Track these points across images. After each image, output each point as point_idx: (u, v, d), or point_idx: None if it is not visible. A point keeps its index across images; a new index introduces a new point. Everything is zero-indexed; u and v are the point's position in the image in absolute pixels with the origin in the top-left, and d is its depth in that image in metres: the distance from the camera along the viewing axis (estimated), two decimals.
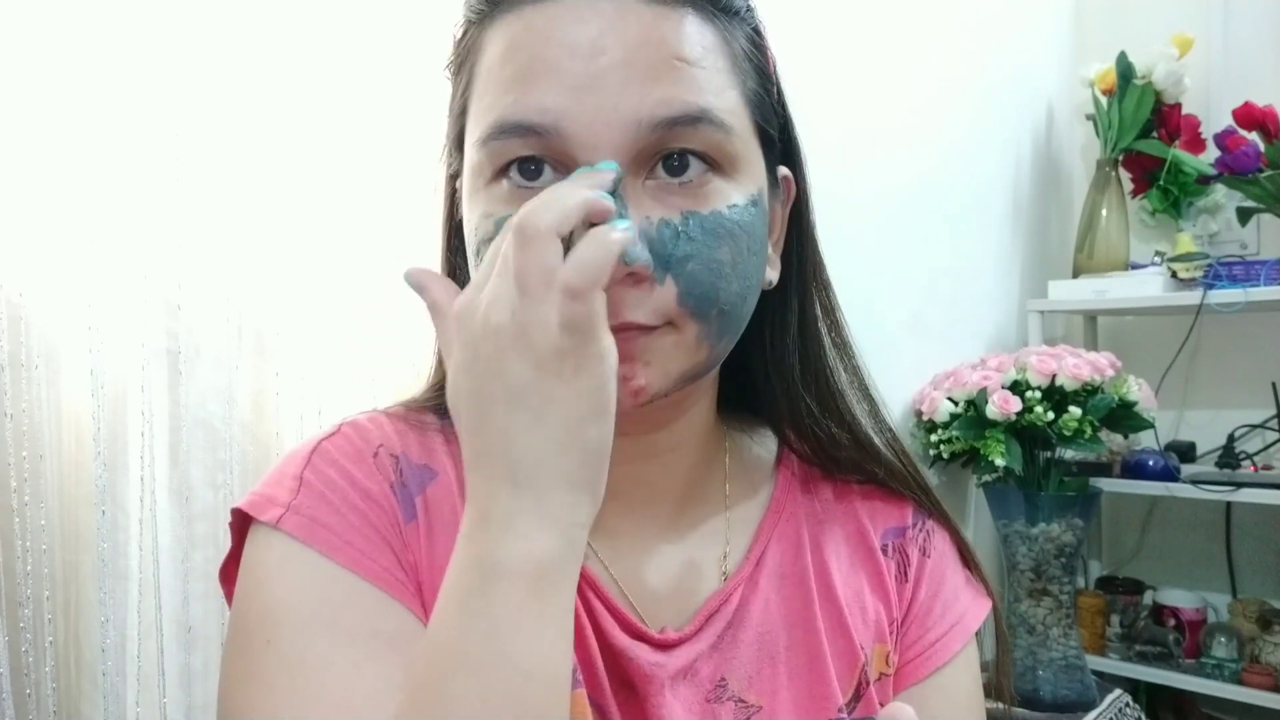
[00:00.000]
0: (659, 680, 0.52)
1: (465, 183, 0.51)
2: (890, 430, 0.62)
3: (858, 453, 0.60)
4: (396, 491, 0.52)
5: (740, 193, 0.49)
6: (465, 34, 0.52)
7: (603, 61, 0.45)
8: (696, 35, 0.48)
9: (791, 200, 0.57)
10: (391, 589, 0.48)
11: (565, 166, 0.47)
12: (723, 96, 0.48)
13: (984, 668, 0.62)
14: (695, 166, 0.47)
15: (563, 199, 0.41)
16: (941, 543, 0.63)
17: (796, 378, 0.58)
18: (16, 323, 0.72)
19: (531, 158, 0.47)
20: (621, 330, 0.44)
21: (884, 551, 0.61)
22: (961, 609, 0.61)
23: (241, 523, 0.51)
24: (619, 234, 0.41)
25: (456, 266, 0.57)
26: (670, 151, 0.47)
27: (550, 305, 0.39)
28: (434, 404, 0.58)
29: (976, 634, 0.61)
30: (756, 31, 0.53)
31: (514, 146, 0.47)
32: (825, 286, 0.60)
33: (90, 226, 0.76)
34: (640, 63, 0.45)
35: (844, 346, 0.61)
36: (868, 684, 0.57)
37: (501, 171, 0.48)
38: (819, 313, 0.59)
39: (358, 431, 0.54)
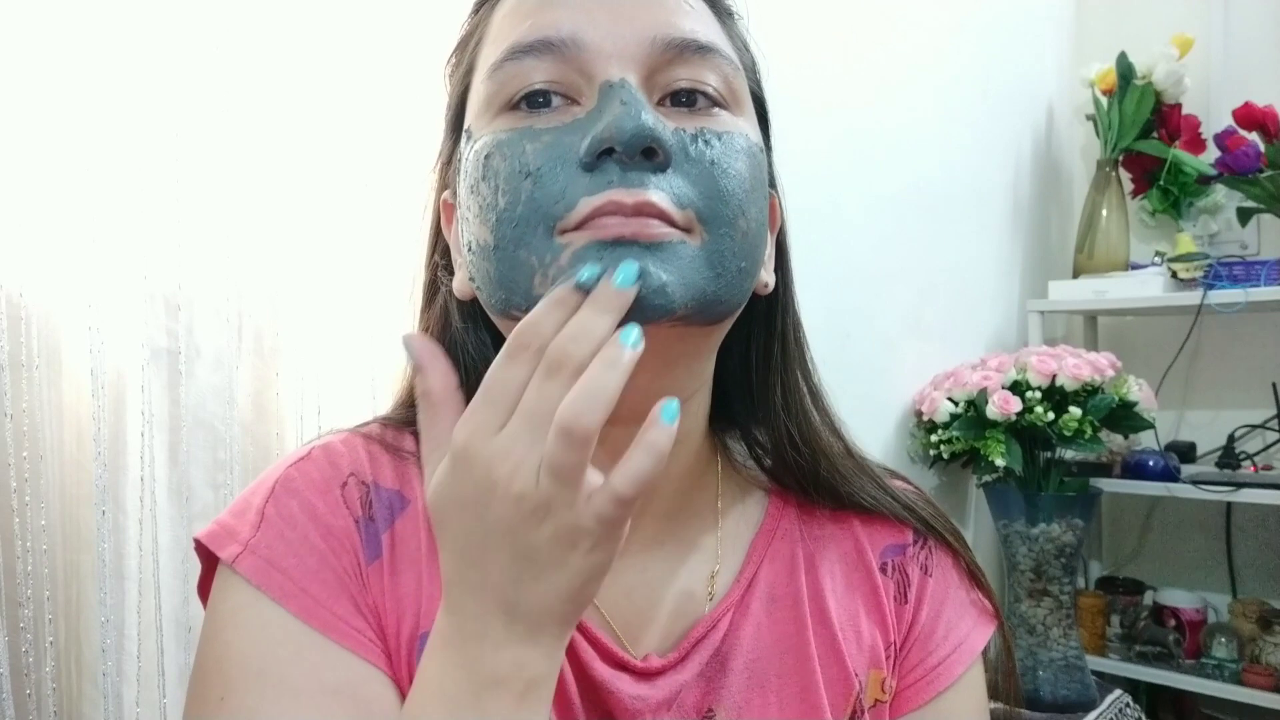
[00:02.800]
0: (641, 714, 0.50)
1: (470, 122, 0.50)
2: (863, 458, 0.60)
3: (841, 483, 0.58)
4: (362, 528, 0.51)
5: (751, 130, 0.50)
6: (476, 14, 0.54)
7: None
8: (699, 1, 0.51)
9: (778, 225, 0.57)
10: (345, 639, 0.48)
11: (577, 92, 0.46)
12: (725, 46, 0.50)
13: (989, 667, 0.61)
14: (703, 101, 0.48)
15: (604, 391, 0.38)
16: (945, 560, 0.60)
17: (778, 404, 0.56)
18: (17, 323, 0.72)
19: (540, 91, 0.46)
20: (639, 213, 0.43)
21: (883, 570, 0.58)
22: (966, 630, 0.59)
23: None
24: (664, 438, 0.38)
25: (440, 281, 0.56)
26: (680, 87, 0.47)
27: (591, 504, 0.38)
28: (413, 428, 0.55)
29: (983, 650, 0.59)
30: (744, 40, 0.56)
31: (527, 67, 0.46)
32: (799, 321, 0.58)
33: (90, 226, 0.76)
34: None
35: (813, 381, 0.58)
36: (862, 712, 0.55)
37: (510, 105, 0.47)
38: (794, 342, 0.57)
39: (328, 456, 0.53)
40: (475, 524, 0.40)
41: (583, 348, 0.39)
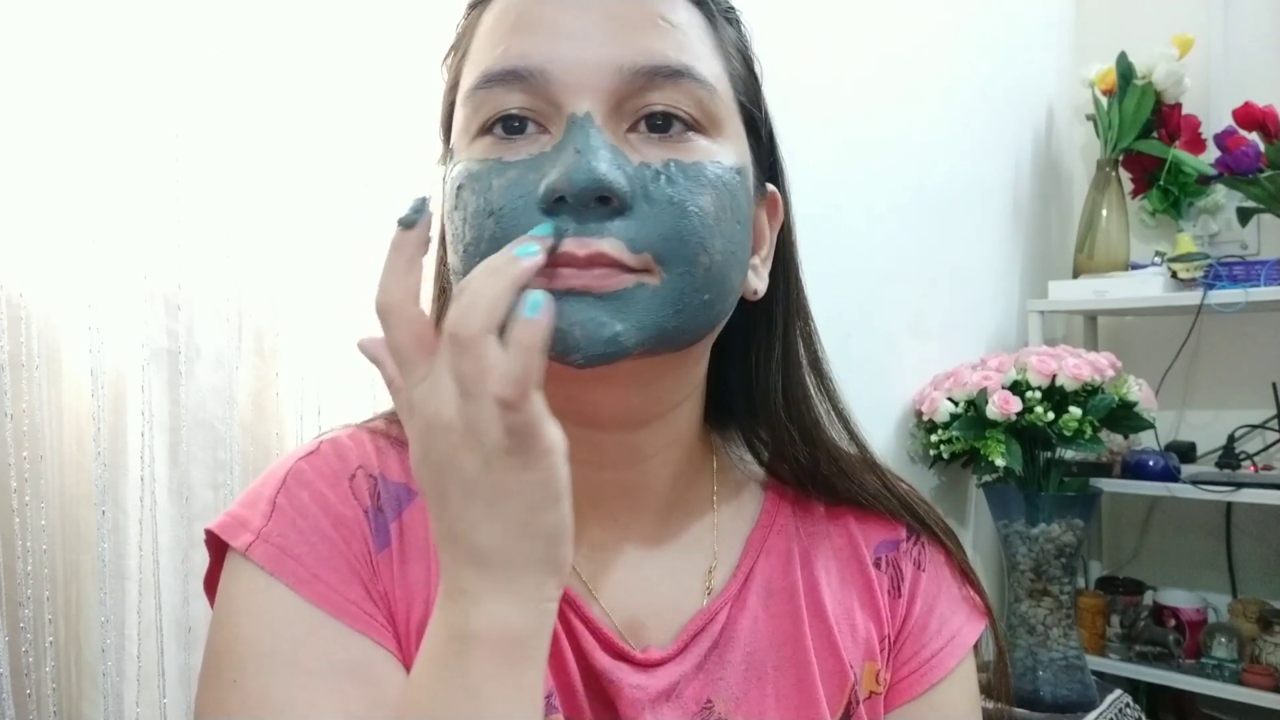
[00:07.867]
0: (640, 703, 0.51)
1: (454, 140, 0.51)
2: (871, 455, 0.61)
3: (840, 479, 0.59)
4: (371, 518, 0.51)
5: (724, 154, 0.49)
6: (467, 16, 0.54)
7: (589, 16, 0.47)
8: (684, 10, 0.50)
9: (780, 221, 0.57)
10: (356, 622, 0.48)
11: (548, 119, 0.47)
12: (706, 62, 0.49)
13: (983, 667, 0.62)
14: (678, 126, 0.47)
15: (486, 295, 0.40)
16: (937, 556, 0.61)
17: (779, 405, 0.57)
18: (16, 323, 0.72)
19: (515, 117, 0.47)
20: (592, 264, 0.44)
21: (877, 565, 0.59)
22: (958, 624, 0.60)
23: (217, 538, 0.51)
24: (530, 333, 0.39)
25: (444, 260, 0.57)
26: (653, 111, 0.47)
27: (491, 407, 0.39)
28: None
29: (975, 645, 0.60)
30: (742, 36, 0.55)
31: (499, 95, 0.47)
32: (806, 316, 0.59)
33: (90, 226, 0.76)
34: (626, 17, 0.47)
35: (824, 376, 0.59)
36: (858, 704, 0.55)
37: (486, 129, 0.48)
38: (799, 339, 0.58)
39: (336, 450, 0.54)
40: (432, 473, 0.41)
41: (477, 315, 0.40)
